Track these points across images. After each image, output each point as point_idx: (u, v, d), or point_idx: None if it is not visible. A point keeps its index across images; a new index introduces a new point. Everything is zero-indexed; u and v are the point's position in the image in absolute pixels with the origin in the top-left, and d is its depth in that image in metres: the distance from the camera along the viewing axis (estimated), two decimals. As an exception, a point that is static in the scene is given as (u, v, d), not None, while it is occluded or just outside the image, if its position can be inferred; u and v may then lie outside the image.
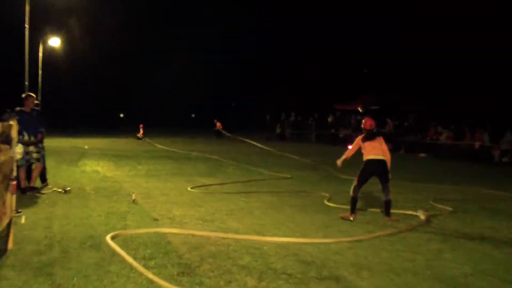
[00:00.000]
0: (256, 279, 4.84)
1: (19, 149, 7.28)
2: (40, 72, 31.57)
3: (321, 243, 6.27)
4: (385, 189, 7.88)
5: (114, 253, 5.49)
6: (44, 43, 32.22)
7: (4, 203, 5.32)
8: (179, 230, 6.67)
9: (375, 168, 7.84)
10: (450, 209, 8.84)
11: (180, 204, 8.81)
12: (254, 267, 5.20)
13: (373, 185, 8.96)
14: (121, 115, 58.39)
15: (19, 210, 7.31)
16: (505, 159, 19.97)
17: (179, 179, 12.42)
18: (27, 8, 21.03)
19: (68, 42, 39.73)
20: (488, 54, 31.51)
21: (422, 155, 22.74)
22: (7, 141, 5.47)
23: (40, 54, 31.58)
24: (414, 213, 8.36)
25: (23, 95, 10.15)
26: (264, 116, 41.64)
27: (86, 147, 22.81)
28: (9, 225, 5.65)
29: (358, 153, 8.22)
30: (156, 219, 7.44)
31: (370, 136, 8.01)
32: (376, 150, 7.87)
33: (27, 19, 21.16)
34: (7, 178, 5.50)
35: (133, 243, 5.99)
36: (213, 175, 13.58)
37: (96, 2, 44.95)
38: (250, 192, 10.61)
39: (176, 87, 51.93)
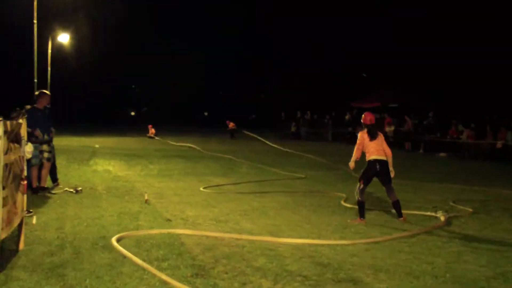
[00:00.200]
0: (271, 281, 4.74)
1: (28, 148, 7.21)
2: (49, 69, 31.75)
3: (337, 245, 6.16)
4: (389, 190, 7.75)
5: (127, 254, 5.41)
6: (53, 39, 32.29)
7: (15, 203, 5.25)
8: (192, 231, 6.59)
9: (378, 169, 7.69)
10: (471, 210, 8.64)
11: (193, 205, 8.73)
12: (269, 269, 5.10)
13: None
14: (132, 113, 58.53)
15: (30, 210, 7.26)
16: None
17: (191, 178, 12.35)
18: (35, 4, 21.13)
19: (76, 39, 39.91)
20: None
21: (442, 154, 22.22)
22: (17, 140, 5.40)
23: (49, 51, 31.74)
24: (433, 214, 8.20)
25: (37, 93, 10.10)
26: (268, 115, 41.26)
27: (96, 146, 22.71)
28: (20, 225, 5.59)
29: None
30: (169, 220, 7.37)
31: (372, 132, 7.84)
32: (379, 150, 7.73)
33: (35, 15, 21.25)
34: (18, 177, 5.43)
35: (146, 244, 5.91)
36: (226, 174, 13.49)
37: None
38: (264, 192, 10.50)
39: (187, 85, 51.60)
